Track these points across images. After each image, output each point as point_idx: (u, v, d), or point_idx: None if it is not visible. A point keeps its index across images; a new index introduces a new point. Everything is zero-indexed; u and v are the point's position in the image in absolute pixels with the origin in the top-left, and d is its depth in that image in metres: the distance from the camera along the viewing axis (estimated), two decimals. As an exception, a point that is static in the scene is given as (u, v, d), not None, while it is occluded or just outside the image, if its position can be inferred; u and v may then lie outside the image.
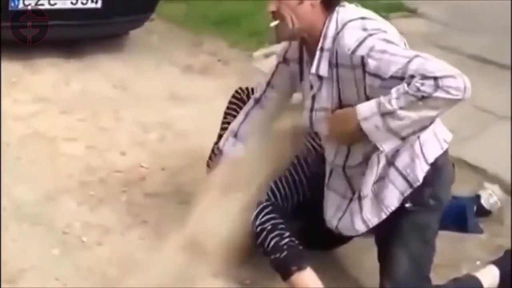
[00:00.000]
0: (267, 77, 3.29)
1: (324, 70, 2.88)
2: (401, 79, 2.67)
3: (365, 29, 2.79)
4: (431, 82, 2.61)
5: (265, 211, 3.16)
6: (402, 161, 2.93)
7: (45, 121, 4.43)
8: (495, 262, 3.17)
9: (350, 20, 2.84)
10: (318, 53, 2.88)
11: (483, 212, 3.58)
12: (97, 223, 3.64)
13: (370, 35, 2.77)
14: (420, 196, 2.95)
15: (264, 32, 5.38)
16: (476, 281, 3.09)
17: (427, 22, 6.11)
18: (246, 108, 3.39)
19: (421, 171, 2.93)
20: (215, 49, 5.43)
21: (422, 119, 2.70)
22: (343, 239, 3.34)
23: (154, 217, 3.70)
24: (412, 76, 2.64)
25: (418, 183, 2.92)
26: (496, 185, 3.68)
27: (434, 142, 2.97)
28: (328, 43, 2.86)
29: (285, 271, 3.07)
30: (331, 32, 2.86)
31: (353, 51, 2.77)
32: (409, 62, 2.67)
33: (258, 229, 3.13)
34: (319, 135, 3.19)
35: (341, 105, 2.88)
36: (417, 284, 2.97)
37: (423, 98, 2.62)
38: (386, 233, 3.02)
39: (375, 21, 2.86)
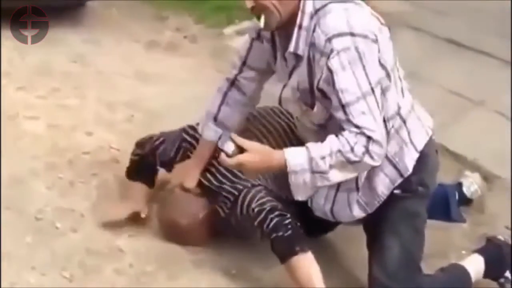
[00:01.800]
0: (241, 56, 3.14)
1: (301, 49, 2.77)
2: (341, 107, 2.66)
3: (349, 24, 2.68)
4: (363, 141, 2.65)
5: (261, 194, 3.07)
6: (390, 149, 2.86)
7: (2, 98, 4.16)
8: (479, 251, 3.16)
9: (331, 2, 2.73)
10: (296, 30, 2.76)
11: (465, 201, 3.55)
12: (70, 208, 3.46)
13: (352, 35, 2.67)
14: (409, 183, 2.91)
15: (232, 7, 5.19)
16: (463, 270, 3.07)
17: (400, 2, 5.94)
18: (221, 91, 3.23)
19: (410, 159, 2.88)
20: (180, 24, 5.22)
21: (344, 178, 2.75)
22: (327, 227, 3.27)
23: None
24: (349, 121, 2.65)
25: (408, 173, 2.87)
26: (477, 173, 3.63)
27: (420, 129, 2.93)
28: (306, 20, 2.75)
29: (288, 251, 2.95)
30: (308, 8, 2.75)
31: (329, 39, 2.67)
32: (357, 100, 2.65)
33: (256, 210, 3.02)
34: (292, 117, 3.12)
35: (309, 85, 2.78)
36: (408, 272, 2.90)
37: (353, 162, 2.67)
38: (376, 220, 2.95)
39: (357, 13, 2.73)
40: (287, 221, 2.99)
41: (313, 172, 2.70)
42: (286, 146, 3.06)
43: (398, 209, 2.91)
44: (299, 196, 2.80)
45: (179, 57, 4.87)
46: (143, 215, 3.35)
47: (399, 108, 2.84)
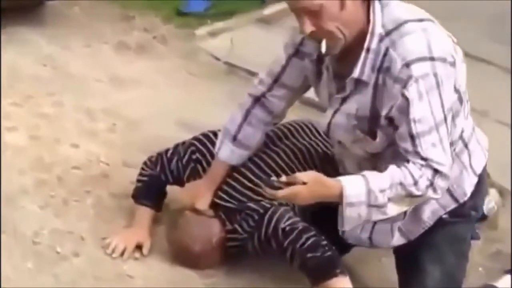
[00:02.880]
0: (272, 72, 2.94)
1: (367, 75, 2.56)
2: (410, 137, 2.50)
3: (430, 47, 2.47)
4: (429, 174, 2.50)
5: (289, 213, 2.96)
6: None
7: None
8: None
9: (406, 21, 2.52)
10: (363, 54, 2.53)
11: (481, 218, 3.45)
12: (67, 230, 3.26)
13: (432, 59, 2.47)
14: (462, 208, 2.77)
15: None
16: None
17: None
18: (243, 108, 3.05)
19: (469, 185, 2.75)
20: (148, 25, 4.98)
21: (399, 212, 2.62)
22: (346, 249, 3.11)
23: (128, 222, 3.34)
24: (416, 153, 2.49)
25: (465, 198, 2.74)
26: (494, 189, 3.55)
27: (479, 152, 2.79)
28: (374, 43, 2.52)
29: (327, 272, 2.83)
30: (378, 29, 2.52)
31: (407, 64, 2.46)
32: (429, 131, 2.49)
33: (287, 228, 2.91)
34: (333, 142, 2.89)
35: (370, 113, 2.60)
36: None
37: (414, 196, 2.53)
38: (416, 244, 2.81)
39: (437, 33, 2.54)
40: (324, 242, 2.89)
41: (370, 205, 2.53)
42: (310, 169, 2.97)
43: (443, 234, 2.78)
44: (346, 227, 2.62)
45: (151, 59, 4.66)
46: (145, 252, 3.18)
47: (462, 131, 2.69)
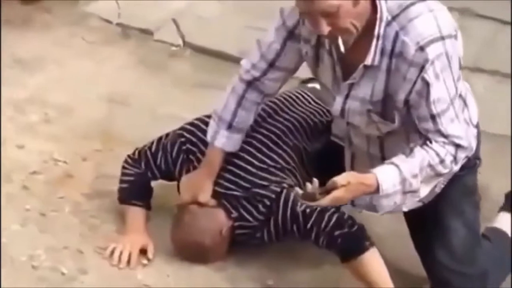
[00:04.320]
0: (267, 57, 2.85)
1: (378, 60, 2.56)
2: (431, 117, 2.56)
3: (439, 26, 2.50)
4: (452, 150, 2.59)
5: None
6: None
7: None
8: (505, 208, 3.20)
9: (412, 3, 2.53)
10: (374, 41, 2.53)
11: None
12: (61, 245, 3.05)
13: (443, 38, 2.50)
14: (468, 159, 2.82)
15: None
16: (503, 233, 3.12)
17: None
18: (236, 93, 2.95)
19: (473, 138, 2.79)
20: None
21: (430, 190, 2.70)
22: None
23: (115, 223, 3.19)
24: (438, 131, 2.56)
25: (473, 152, 2.78)
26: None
27: (473, 103, 2.84)
28: (382, 28, 2.52)
29: (358, 247, 2.85)
30: (384, 14, 2.52)
31: (422, 48, 2.48)
32: (448, 107, 2.56)
33: (307, 211, 2.87)
34: (348, 125, 2.84)
35: (384, 97, 2.62)
36: (474, 249, 2.90)
37: (442, 174, 2.63)
38: (432, 203, 2.85)
39: (442, 10, 2.56)
40: (346, 216, 2.89)
41: (404, 192, 2.59)
42: (306, 142, 3.05)
43: (458, 189, 2.84)
44: (381, 213, 2.69)
45: (42, 32, 4.31)
46: (150, 255, 3.05)
47: (460, 90, 2.72)
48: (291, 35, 2.77)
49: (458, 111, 2.62)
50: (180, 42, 4.42)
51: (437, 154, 2.58)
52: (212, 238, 2.98)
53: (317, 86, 3.14)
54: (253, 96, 2.94)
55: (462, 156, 2.64)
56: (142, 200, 3.10)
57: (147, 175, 3.09)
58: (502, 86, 4.09)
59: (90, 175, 3.37)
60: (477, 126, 2.86)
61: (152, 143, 3.12)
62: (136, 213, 3.10)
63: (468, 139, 2.67)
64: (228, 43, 4.39)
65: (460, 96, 2.72)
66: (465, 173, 2.85)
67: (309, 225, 2.89)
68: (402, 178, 2.56)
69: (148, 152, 3.09)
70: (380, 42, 2.53)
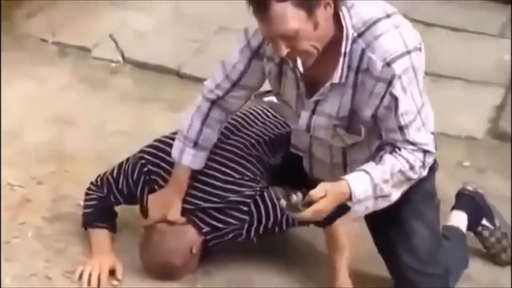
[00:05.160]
0: (231, 78, 2.89)
1: (344, 77, 2.62)
2: (399, 128, 2.64)
3: (405, 42, 2.57)
4: (420, 156, 2.67)
5: (278, 189, 2.95)
6: None
7: None
8: (458, 207, 3.31)
9: (377, 20, 2.59)
10: (341, 59, 2.59)
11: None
12: (28, 273, 3.04)
13: (409, 52, 2.57)
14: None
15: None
16: (459, 231, 3.24)
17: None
18: (201, 112, 2.99)
19: (433, 143, 2.86)
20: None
21: (400, 194, 2.76)
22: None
23: (80, 245, 3.19)
24: (405, 141, 2.64)
25: (434, 155, 2.87)
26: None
27: (430, 108, 2.89)
28: (348, 46, 2.58)
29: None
30: (350, 32, 2.58)
31: (388, 63, 2.55)
32: (414, 118, 2.63)
33: None
34: (311, 138, 2.91)
35: (350, 112, 2.69)
36: (436, 249, 2.99)
37: (412, 179, 2.71)
38: (394, 206, 2.89)
39: (406, 25, 2.64)
40: None
41: (376, 197, 2.67)
42: (267, 154, 3.11)
43: (419, 192, 2.91)
44: (355, 216, 2.75)
45: None
46: (120, 276, 3.06)
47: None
48: (255, 54, 2.81)
49: (424, 119, 2.70)
50: (120, 58, 4.42)
51: (407, 161, 2.66)
52: (183, 256, 3.01)
53: (274, 99, 3.22)
54: (217, 114, 2.98)
55: (429, 161, 2.73)
56: (107, 222, 3.12)
57: (110, 199, 3.11)
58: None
59: (48, 198, 3.36)
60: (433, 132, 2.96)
61: (114, 169, 3.14)
62: (101, 235, 3.11)
63: (434, 143, 2.77)
64: (166, 57, 4.43)
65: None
66: (425, 177, 2.93)
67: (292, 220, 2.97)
68: (374, 184, 2.64)
69: (110, 178, 3.11)
70: (346, 59, 2.58)
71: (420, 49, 2.64)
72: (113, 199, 3.11)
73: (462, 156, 3.81)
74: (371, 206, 2.69)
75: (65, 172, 3.52)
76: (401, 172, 2.67)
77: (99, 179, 3.15)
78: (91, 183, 3.16)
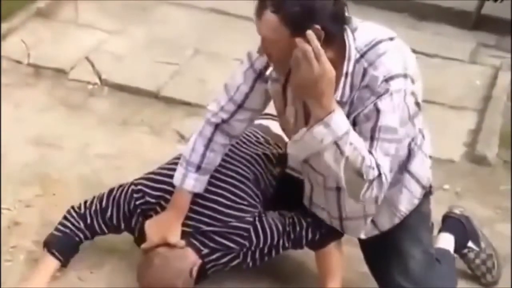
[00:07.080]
0: (235, 100, 2.92)
1: (346, 96, 2.67)
2: (370, 138, 2.62)
3: (405, 65, 2.63)
4: (376, 173, 2.61)
5: (274, 215, 3.07)
6: (414, 166, 2.91)
7: None
8: (445, 229, 3.35)
9: (380, 41, 2.66)
10: (343, 79, 2.64)
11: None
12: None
13: (405, 76, 2.62)
14: (423, 187, 3.00)
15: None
16: (449, 253, 3.28)
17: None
18: (204, 137, 3.00)
19: (429, 170, 2.96)
20: None
21: (336, 174, 2.64)
22: None
23: (74, 268, 3.15)
24: (370, 153, 2.61)
25: (430, 182, 2.96)
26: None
27: (428, 135, 2.97)
28: (351, 66, 2.64)
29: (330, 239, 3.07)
30: (353, 53, 2.64)
31: (387, 80, 2.60)
32: (390, 142, 2.64)
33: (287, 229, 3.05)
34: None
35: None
36: (429, 270, 3.03)
37: (359, 175, 2.61)
38: (392, 231, 3.00)
39: (408, 51, 2.71)
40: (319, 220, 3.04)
41: (335, 142, 2.54)
42: (261, 173, 3.13)
43: (415, 216, 2.98)
44: (297, 145, 2.63)
45: None
46: None
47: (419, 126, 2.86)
48: (259, 76, 2.85)
49: (394, 158, 2.69)
50: (97, 80, 4.40)
51: (370, 160, 2.60)
52: (184, 279, 2.98)
53: (263, 122, 3.28)
54: (220, 138, 2.99)
55: (376, 188, 2.66)
56: (65, 256, 3.07)
57: (94, 228, 3.09)
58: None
59: (37, 221, 3.33)
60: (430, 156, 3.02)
61: (101, 197, 3.11)
62: (52, 265, 3.06)
63: (426, 172, 2.88)
64: (144, 79, 4.44)
65: (420, 130, 2.87)
66: (421, 201, 3.02)
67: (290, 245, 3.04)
68: (347, 131, 2.54)
69: (97, 206, 3.09)
70: (348, 79, 2.64)
71: (414, 80, 2.66)
72: (98, 228, 3.08)
73: (441, 179, 3.86)
74: (325, 143, 2.55)
75: (53, 196, 3.49)
76: (363, 158, 2.58)
77: (82, 206, 3.12)
78: (73, 208, 3.12)
